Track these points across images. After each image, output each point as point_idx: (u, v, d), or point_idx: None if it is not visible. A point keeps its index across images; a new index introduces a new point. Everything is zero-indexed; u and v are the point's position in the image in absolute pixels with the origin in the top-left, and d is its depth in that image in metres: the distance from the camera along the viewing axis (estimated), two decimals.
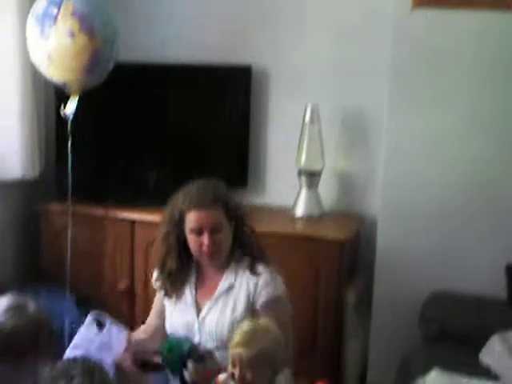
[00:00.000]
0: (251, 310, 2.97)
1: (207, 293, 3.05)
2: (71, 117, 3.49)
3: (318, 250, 3.62)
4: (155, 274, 3.15)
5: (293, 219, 3.87)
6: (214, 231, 2.91)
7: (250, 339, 2.51)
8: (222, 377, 2.64)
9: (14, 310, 2.49)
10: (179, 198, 2.97)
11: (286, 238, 3.69)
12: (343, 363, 3.78)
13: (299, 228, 3.82)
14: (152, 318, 3.22)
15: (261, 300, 2.95)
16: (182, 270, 3.05)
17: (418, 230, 3.56)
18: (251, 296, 2.96)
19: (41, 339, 2.46)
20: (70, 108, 3.47)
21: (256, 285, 2.96)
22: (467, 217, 3.49)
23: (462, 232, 3.51)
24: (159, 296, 3.17)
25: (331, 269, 3.62)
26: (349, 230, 3.76)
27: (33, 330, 2.46)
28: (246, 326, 2.60)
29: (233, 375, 2.53)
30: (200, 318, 3.03)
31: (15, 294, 2.57)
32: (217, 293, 3.02)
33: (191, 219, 2.92)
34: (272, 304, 2.95)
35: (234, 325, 2.93)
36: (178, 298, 3.10)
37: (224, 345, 2.87)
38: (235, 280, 3.00)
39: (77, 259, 3.92)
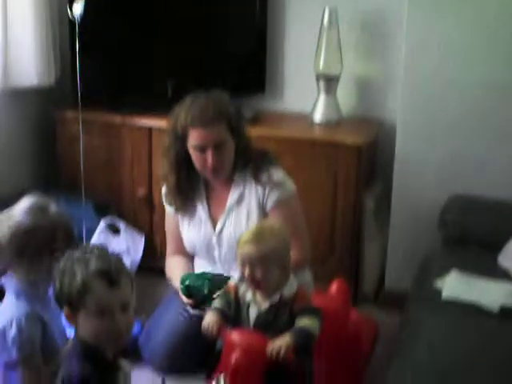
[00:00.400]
0: (264, 214, 3.01)
1: (219, 206, 3.09)
2: (79, 19, 3.44)
3: (336, 156, 3.59)
4: (163, 190, 3.16)
5: (311, 125, 3.83)
6: (217, 148, 2.92)
7: (257, 238, 2.55)
8: (233, 279, 2.67)
9: (35, 210, 2.54)
10: (181, 115, 2.95)
11: (304, 143, 3.67)
12: (361, 268, 3.81)
13: (317, 133, 3.78)
14: (175, 247, 3.24)
15: (270, 203, 3.00)
16: (187, 185, 3.07)
17: (437, 133, 3.51)
18: (261, 200, 3.01)
19: (58, 239, 2.50)
20: (78, 9, 3.42)
21: (264, 189, 3.00)
22: (489, 119, 3.43)
23: (483, 135, 3.45)
24: (171, 217, 3.19)
25: (349, 174, 3.61)
26: (367, 134, 3.73)
27: (51, 230, 2.51)
28: (253, 226, 2.64)
29: (243, 275, 2.57)
30: (216, 231, 3.06)
31: (37, 195, 2.60)
32: (228, 205, 3.05)
33: (194, 137, 2.91)
34: (282, 205, 3.00)
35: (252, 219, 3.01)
36: (192, 215, 3.13)
37: None
38: (244, 189, 3.03)
39: (94, 167, 3.95)
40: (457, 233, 3.24)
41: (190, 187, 3.09)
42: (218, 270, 3.11)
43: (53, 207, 2.60)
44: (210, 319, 2.61)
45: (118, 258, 2.19)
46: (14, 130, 4.09)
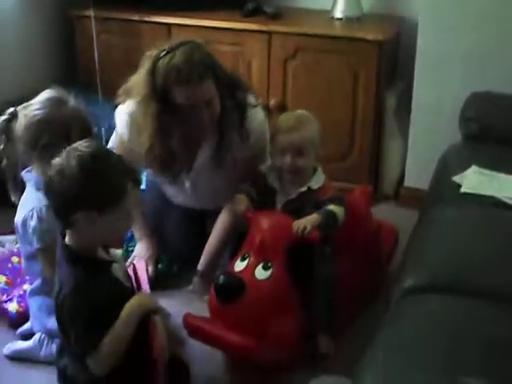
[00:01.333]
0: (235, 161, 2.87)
1: (193, 150, 2.91)
2: None
3: (356, 52, 3.55)
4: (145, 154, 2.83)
5: (331, 21, 3.77)
6: (207, 104, 2.69)
7: (299, 125, 2.61)
8: (271, 179, 2.70)
9: (53, 102, 2.53)
10: (160, 72, 2.64)
11: (324, 39, 3.61)
12: (381, 166, 3.82)
13: (338, 29, 3.71)
14: None
15: (243, 154, 2.84)
16: (174, 154, 2.82)
17: (459, 30, 3.43)
18: (235, 149, 2.84)
19: (73, 134, 2.49)
20: None
21: (240, 143, 2.82)
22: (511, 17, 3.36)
23: (506, 33, 3.38)
24: (124, 147, 2.91)
25: (370, 71, 3.57)
26: (388, 30, 3.66)
27: (65, 124, 2.50)
28: (287, 115, 2.70)
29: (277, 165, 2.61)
30: (191, 177, 2.97)
31: (57, 89, 2.60)
32: (203, 152, 2.89)
33: (182, 96, 2.64)
34: (254, 157, 2.87)
35: (228, 177, 2.90)
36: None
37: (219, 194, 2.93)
38: (223, 139, 2.82)
39: (112, 65, 3.91)
40: (477, 129, 3.20)
41: (178, 154, 2.84)
42: (187, 197, 3.07)
43: (72, 101, 2.60)
44: (237, 200, 2.67)
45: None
46: (32, 29, 4.06)
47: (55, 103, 2.55)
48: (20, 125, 2.54)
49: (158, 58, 2.65)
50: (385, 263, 3.09)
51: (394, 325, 2.08)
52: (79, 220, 2.03)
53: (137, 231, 3.12)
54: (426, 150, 3.62)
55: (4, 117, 2.58)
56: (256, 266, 2.52)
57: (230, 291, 2.46)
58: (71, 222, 2.05)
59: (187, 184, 3.00)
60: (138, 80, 2.74)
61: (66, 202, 2.03)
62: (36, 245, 2.56)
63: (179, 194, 3.10)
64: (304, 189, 2.65)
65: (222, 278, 2.49)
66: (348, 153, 3.75)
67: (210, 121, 2.72)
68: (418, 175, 3.69)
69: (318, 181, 2.67)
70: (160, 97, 2.66)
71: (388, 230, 3.20)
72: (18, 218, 2.61)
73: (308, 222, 2.51)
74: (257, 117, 2.85)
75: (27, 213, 2.56)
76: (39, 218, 2.53)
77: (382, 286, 2.95)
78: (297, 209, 2.61)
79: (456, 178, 2.87)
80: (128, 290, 2.22)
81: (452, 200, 2.77)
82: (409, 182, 3.79)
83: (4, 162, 2.61)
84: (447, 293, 2.18)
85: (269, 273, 2.50)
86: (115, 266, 2.19)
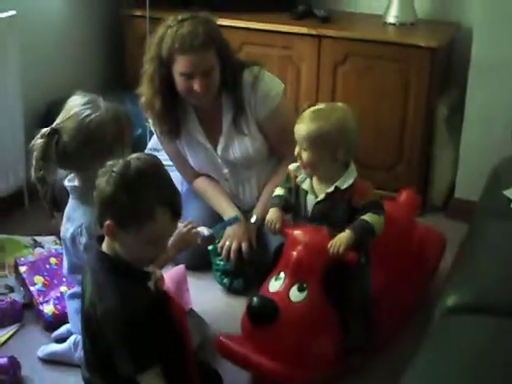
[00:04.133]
0: (259, 127, 3.05)
1: (214, 127, 3.07)
2: None
3: (408, 58, 3.48)
4: (150, 121, 3.12)
5: (384, 26, 3.70)
6: (205, 74, 2.85)
7: (311, 117, 2.50)
8: (292, 166, 2.63)
9: (92, 104, 2.46)
10: (167, 39, 2.85)
11: (376, 44, 3.54)
12: (431, 177, 3.73)
13: (390, 34, 3.64)
14: (190, 173, 3.23)
15: (262, 115, 3.01)
16: (174, 109, 3.01)
17: None
18: (253, 112, 3.01)
19: (126, 132, 2.45)
20: None
21: (254, 101, 2.99)
22: None
23: None
24: (168, 146, 3.17)
25: (422, 78, 3.49)
26: (442, 37, 3.58)
27: (119, 122, 2.43)
28: (316, 106, 2.57)
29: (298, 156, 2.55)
30: (219, 152, 3.09)
31: (84, 92, 2.52)
32: (225, 126, 3.05)
33: (182, 63, 2.83)
34: (273, 115, 3.02)
35: (255, 142, 3.04)
36: (187, 139, 3.11)
37: (253, 162, 3.09)
38: (236, 106, 3.00)
39: None
40: None
41: (178, 111, 3.03)
42: (231, 186, 3.17)
43: (101, 100, 2.50)
44: (272, 215, 2.61)
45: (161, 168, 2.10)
46: (82, 28, 4.07)
47: (95, 105, 2.47)
48: (74, 139, 2.41)
49: (169, 27, 2.87)
50: (429, 275, 2.99)
51: (435, 344, 2.01)
52: (108, 231, 2.02)
53: (222, 211, 3.14)
54: (477, 162, 3.53)
55: (41, 140, 2.43)
56: (291, 287, 2.46)
57: (263, 315, 2.41)
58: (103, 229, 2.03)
59: (225, 170, 3.14)
60: (150, 44, 2.98)
61: (99, 205, 2.02)
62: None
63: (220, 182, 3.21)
64: (331, 189, 2.51)
65: (255, 300, 2.44)
66: (397, 162, 3.67)
67: (205, 90, 2.87)
68: (468, 187, 3.60)
69: (346, 180, 2.50)
70: (163, 63, 2.88)
71: (435, 236, 3.09)
72: (66, 233, 2.55)
73: (342, 242, 2.41)
74: (264, 76, 3.01)
75: (75, 229, 2.49)
76: (89, 235, 2.45)
77: (425, 300, 2.86)
78: (326, 212, 2.52)
79: (507, 193, 2.77)
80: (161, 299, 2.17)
81: (502, 215, 2.67)
82: (459, 193, 3.69)
83: (42, 190, 2.47)
84: (493, 314, 2.09)
85: (304, 295, 2.44)
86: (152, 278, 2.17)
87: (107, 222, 2.01)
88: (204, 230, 2.69)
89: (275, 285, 2.49)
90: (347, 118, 2.52)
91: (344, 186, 2.50)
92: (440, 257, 3.06)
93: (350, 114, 2.55)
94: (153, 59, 2.91)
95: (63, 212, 2.59)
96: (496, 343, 1.95)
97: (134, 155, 2.06)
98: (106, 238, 2.09)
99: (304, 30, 3.64)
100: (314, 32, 3.62)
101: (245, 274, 3.04)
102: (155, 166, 2.06)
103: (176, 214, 2.04)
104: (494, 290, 2.21)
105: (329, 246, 2.42)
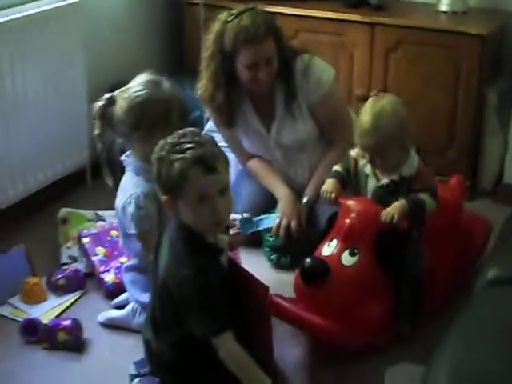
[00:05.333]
0: (311, 112, 3.14)
1: (268, 112, 3.17)
2: None
3: (458, 46, 3.54)
4: (209, 112, 3.26)
5: (436, 14, 3.76)
6: (268, 63, 2.97)
7: (374, 127, 2.56)
8: (353, 152, 2.73)
9: (151, 84, 2.62)
10: (228, 33, 2.95)
11: (427, 32, 3.61)
12: (481, 162, 3.78)
13: (441, 22, 3.71)
14: (245, 155, 3.34)
15: (313, 100, 3.11)
16: (234, 100, 3.12)
17: None
18: (305, 98, 3.11)
19: (173, 114, 2.59)
20: None
21: (306, 87, 3.09)
22: None
23: None
24: (225, 131, 3.27)
25: (472, 65, 3.54)
26: (494, 25, 3.63)
27: (165, 103, 2.58)
28: (367, 111, 2.60)
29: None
30: (272, 135, 3.19)
31: (151, 72, 2.69)
32: (278, 110, 3.15)
33: (248, 54, 2.94)
34: (325, 100, 3.12)
35: (306, 126, 3.14)
36: (244, 128, 3.22)
37: (304, 145, 3.19)
38: (288, 92, 3.10)
39: None
40: None
41: (236, 101, 3.14)
42: (282, 168, 3.28)
43: (166, 84, 2.68)
44: (328, 186, 2.72)
45: (213, 143, 2.19)
46: (143, 15, 4.20)
47: (154, 85, 2.63)
48: (121, 108, 2.62)
49: (226, 22, 2.97)
50: (476, 256, 3.06)
51: (473, 314, 2.09)
52: (165, 204, 2.17)
53: (274, 188, 3.23)
54: None
55: (101, 102, 2.67)
56: (343, 252, 2.57)
57: (315, 275, 2.52)
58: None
59: (277, 154, 3.25)
60: (207, 41, 3.06)
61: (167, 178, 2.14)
62: (133, 230, 2.64)
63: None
64: (395, 177, 2.62)
65: (308, 261, 2.54)
66: (447, 148, 3.73)
67: (268, 78, 3.00)
68: None
69: (410, 168, 2.62)
70: (226, 57, 2.98)
71: (481, 223, 3.15)
72: (118, 203, 2.70)
73: (395, 209, 2.52)
74: (316, 63, 3.11)
75: (126, 199, 2.64)
76: (137, 205, 2.60)
77: (471, 280, 2.93)
78: (387, 197, 2.61)
79: None
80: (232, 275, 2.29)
81: None
82: (508, 179, 3.74)
83: (99, 147, 2.72)
84: None
85: (355, 259, 2.55)
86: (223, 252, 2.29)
87: (162, 198, 2.16)
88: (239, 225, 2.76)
89: (328, 250, 2.60)
90: (401, 108, 2.61)
91: (408, 174, 2.62)
92: (486, 242, 3.12)
93: (403, 107, 2.64)
94: (214, 55, 3.02)
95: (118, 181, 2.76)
96: None
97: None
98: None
99: (357, 17, 3.72)
100: (367, 20, 3.70)
101: (292, 251, 3.13)
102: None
103: (209, 168, 2.11)
104: None
105: (382, 214, 2.53)
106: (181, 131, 2.19)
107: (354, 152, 2.74)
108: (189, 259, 2.14)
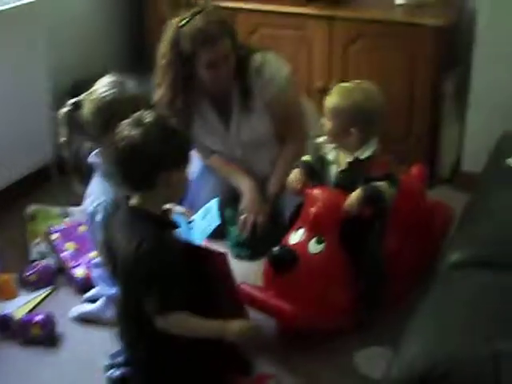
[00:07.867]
0: (266, 109, 3.18)
1: (226, 111, 3.22)
2: None
3: (414, 37, 3.61)
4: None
5: (392, 6, 3.83)
6: (227, 60, 3.01)
7: (342, 91, 2.67)
8: (320, 139, 2.81)
9: (117, 84, 2.64)
10: (185, 38, 2.96)
11: (384, 24, 3.68)
12: (438, 151, 3.86)
13: (398, 15, 3.78)
14: (206, 149, 3.36)
15: (268, 97, 3.15)
16: (191, 103, 3.15)
17: None
18: (260, 95, 3.15)
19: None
20: None
21: (261, 84, 3.13)
22: None
23: None
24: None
25: (428, 56, 3.62)
26: (447, 16, 3.70)
27: (133, 102, 2.59)
28: (348, 83, 2.72)
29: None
30: (232, 133, 3.24)
31: (115, 73, 2.71)
32: (235, 109, 3.18)
33: (207, 55, 2.96)
34: (280, 96, 3.15)
35: (263, 122, 3.19)
36: (205, 128, 3.25)
37: (263, 142, 3.24)
38: (245, 89, 3.14)
39: None
40: None
41: (195, 102, 3.16)
42: (243, 165, 3.31)
43: (130, 83, 2.70)
44: (294, 176, 2.78)
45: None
46: (103, 10, 4.23)
47: (119, 85, 2.65)
48: (88, 110, 2.63)
49: (180, 26, 2.98)
50: (438, 241, 3.14)
51: (439, 296, 2.17)
52: (161, 180, 2.19)
53: (238, 183, 3.27)
54: (482, 135, 3.63)
55: (66, 108, 2.70)
56: (309, 240, 2.65)
57: (283, 262, 2.60)
58: (153, 184, 2.20)
59: (238, 151, 3.29)
60: (162, 49, 3.05)
61: (151, 163, 2.18)
62: (100, 238, 2.63)
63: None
64: (350, 159, 2.69)
65: (276, 249, 2.62)
66: (405, 136, 3.81)
67: (228, 74, 3.04)
68: (474, 160, 3.70)
69: (365, 151, 2.68)
70: (186, 62, 2.99)
71: (443, 209, 3.24)
72: (87, 205, 2.72)
73: (353, 197, 2.59)
74: (270, 60, 3.15)
75: (95, 207, 2.66)
76: (105, 214, 2.61)
77: (434, 263, 3.01)
78: (347, 182, 2.68)
79: (510, 161, 2.91)
80: (189, 249, 2.34)
81: (504, 181, 2.80)
82: (465, 166, 3.83)
83: (67, 154, 2.73)
84: (494, 267, 2.25)
85: (321, 247, 2.63)
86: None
87: (164, 174, 2.20)
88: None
89: (295, 238, 2.68)
90: (367, 99, 2.67)
91: (362, 157, 2.67)
92: (447, 228, 3.20)
93: (374, 94, 2.70)
94: (172, 62, 3.03)
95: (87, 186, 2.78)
96: (491, 293, 2.11)
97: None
98: (135, 197, 2.26)
99: (316, 11, 3.77)
100: (326, 13, 3.75)
101: (254, 245, 3.16)
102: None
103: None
104: (493, 247, 2.37)
105: (345, 204, 2.59)
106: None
107: (321, 139, 2.80)
108: (146, 236, 2.17)
